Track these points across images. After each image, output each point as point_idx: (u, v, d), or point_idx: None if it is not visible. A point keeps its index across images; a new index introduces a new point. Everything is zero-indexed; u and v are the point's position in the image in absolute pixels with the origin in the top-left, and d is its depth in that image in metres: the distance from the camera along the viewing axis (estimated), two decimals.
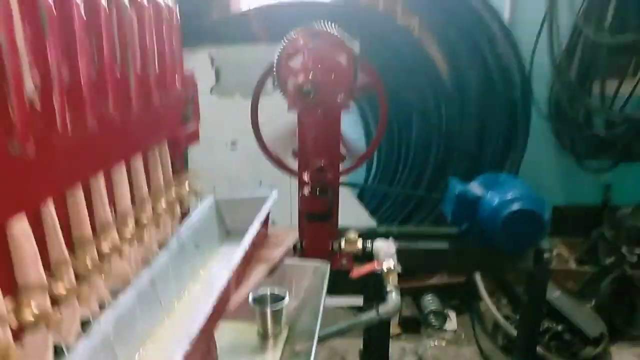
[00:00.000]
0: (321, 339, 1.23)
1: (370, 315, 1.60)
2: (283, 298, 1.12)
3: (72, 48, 0.63)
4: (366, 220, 2.83)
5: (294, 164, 1.77)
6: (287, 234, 1.27)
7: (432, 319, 2.78)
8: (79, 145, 0.66)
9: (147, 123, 0.85)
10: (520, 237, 1.91)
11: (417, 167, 2.90)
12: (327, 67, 1.61)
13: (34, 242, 0.59)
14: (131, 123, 0.78)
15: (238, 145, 2.93)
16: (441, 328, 2.78)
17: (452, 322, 2.84)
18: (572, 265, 2.97)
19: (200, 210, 1.08)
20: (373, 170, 3.28)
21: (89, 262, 0.69)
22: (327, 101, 1.57)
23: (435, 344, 2.65)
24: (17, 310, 0.55)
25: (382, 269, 1.63)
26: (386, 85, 1.75)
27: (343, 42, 1.62)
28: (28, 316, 0.56)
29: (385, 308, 1.57)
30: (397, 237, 2.10)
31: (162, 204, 0.90)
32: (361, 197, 3.08)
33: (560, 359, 2.33)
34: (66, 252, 0.65)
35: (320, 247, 1.74)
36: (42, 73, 0.58)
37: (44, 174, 0.59)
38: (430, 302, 2.82)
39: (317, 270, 1.42)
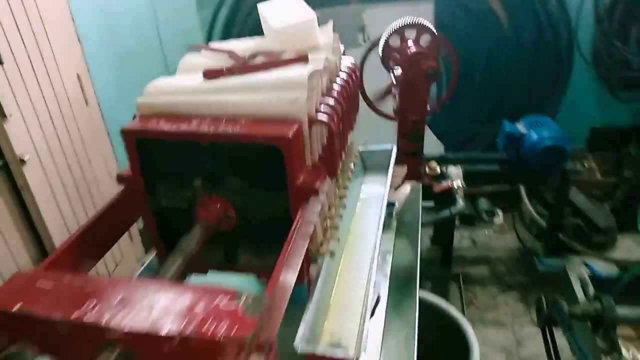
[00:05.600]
0: None
1: (445, 213, 2.60)
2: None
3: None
4: (436, 143, 3.73)
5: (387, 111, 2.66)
6: (400, 169, 2.22)
7: (484, 215, 3.76)
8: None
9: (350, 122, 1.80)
10: (550, 163, 2.80)
11: (478, 104, 3.70)
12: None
13: None
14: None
15: None
16: (490, 222, 3.76)
17: (499, 217, 3.80)
18: (599, 176, 3.77)
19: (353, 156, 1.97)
20: None
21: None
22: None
23: (486, 232, 3.64)
24: None
25: (454, 186, 2.59)
26: (458, 36, 2.47)
27: (439, 37, 2.40)
28: None
29: (455, 209, 2.56)
30: (462, 161, 3.05)
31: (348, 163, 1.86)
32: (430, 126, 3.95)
33: (577, 243, 3.26)
34: None
35: (413, 171, 2.70)
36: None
37: None
38: (483, 203, 3.76)
39: (415, 187, 2.38)
